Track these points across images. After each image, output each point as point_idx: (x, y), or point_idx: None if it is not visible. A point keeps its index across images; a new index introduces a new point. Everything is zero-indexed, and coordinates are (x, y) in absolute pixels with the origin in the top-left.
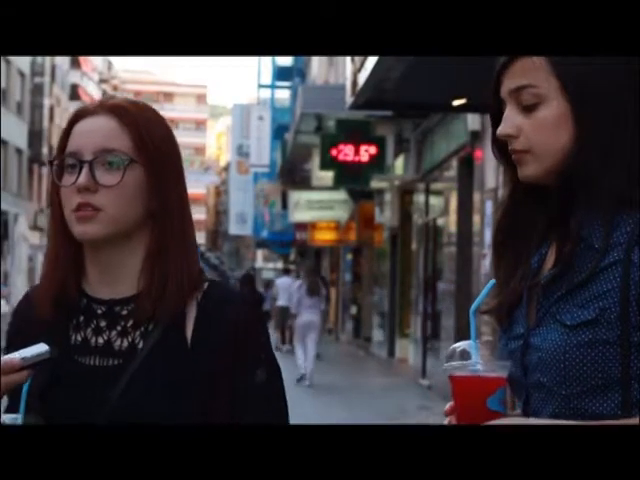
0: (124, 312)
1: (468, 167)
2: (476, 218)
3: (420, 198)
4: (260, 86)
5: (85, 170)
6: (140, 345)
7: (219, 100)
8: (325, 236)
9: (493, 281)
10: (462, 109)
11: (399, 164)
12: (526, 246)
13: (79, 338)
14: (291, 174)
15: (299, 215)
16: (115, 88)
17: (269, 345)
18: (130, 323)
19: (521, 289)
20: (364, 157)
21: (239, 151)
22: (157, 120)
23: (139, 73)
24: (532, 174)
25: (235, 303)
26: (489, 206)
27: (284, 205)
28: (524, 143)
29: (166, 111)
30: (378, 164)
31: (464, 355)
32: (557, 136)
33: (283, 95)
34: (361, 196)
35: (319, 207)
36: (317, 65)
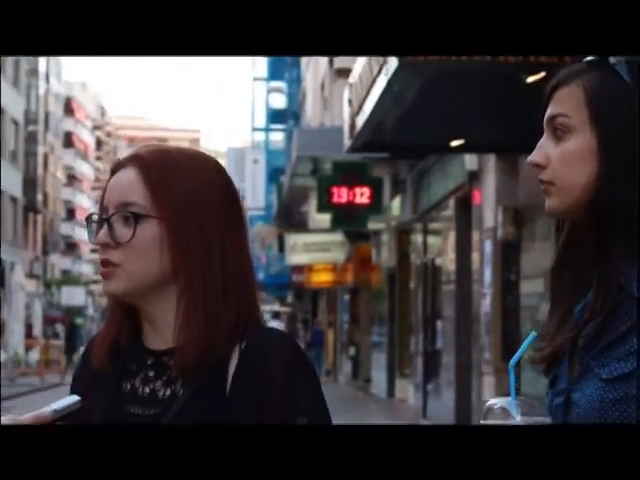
0: (170, 362)
1: (465, 207)
2: (475, 257)
3: (418, 238)
4: (254, 129)
5: (105, 226)
6: (181, 394)
7: (212, 144)
8: (322, 278)
9: (534, 333)
10: (460, 150)
11: (396, 205)
12: (575, 293)
13: (128, 387)
14: (287, 217)
15: (296, 257)
16: (109, 134)
17: (313, 391)
18: (174, 373)
19: (565, 341)
20: (361, 199)
21: None
22: (182, 169)
23: (133, 119)
24: (555, 208)
25: (277, 351)
26: (488, 245)
27: (281, 248)
28: (550, 174)
29: None
30: (375, 205)
31: (503, 413)
32: (581, 170)
33: (277, 138)
34: (358, 237)
35: (316, 249)
36: (311, 107)
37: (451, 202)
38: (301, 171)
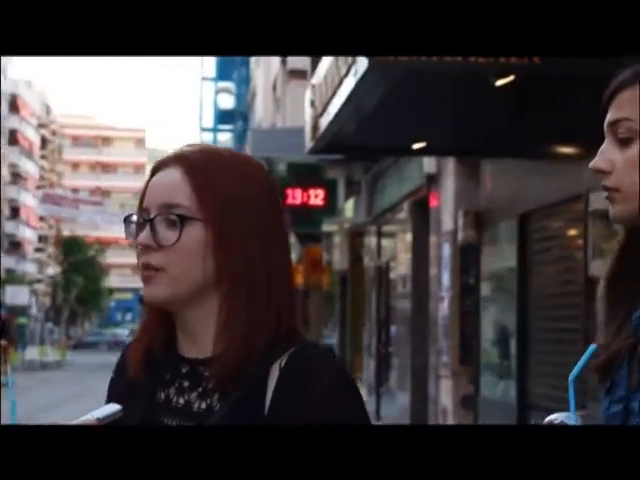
0: (206, 373)
1: (422, 210)
2: (432, 261)
3: (372, 241)
4: (202, 129)
5: (147, 228)
6: (217, 408)
7: (158, 144)
8: None
9: (593, 346)
10: (422, 152)
11: (349, 207)
12: (633, 299)
13: (163, 397)
14: None
15: None
16: (54, 133)
17: (358, 414)
18: (210, 385)
19: (623, 347)
20: (315, 200)
21: None
22: (227, 170)
23: (78, 118)
24: (619, 215)
25: (322, 370)
26: (446, 248)
27: None
28: (615, 181)
29: (104, 155)
30: (329, 207)
31: None
32: None
33: (223, 138)
34: (308, 239)
35: None
36: (262, 108)
37: (407, 205)
38: None
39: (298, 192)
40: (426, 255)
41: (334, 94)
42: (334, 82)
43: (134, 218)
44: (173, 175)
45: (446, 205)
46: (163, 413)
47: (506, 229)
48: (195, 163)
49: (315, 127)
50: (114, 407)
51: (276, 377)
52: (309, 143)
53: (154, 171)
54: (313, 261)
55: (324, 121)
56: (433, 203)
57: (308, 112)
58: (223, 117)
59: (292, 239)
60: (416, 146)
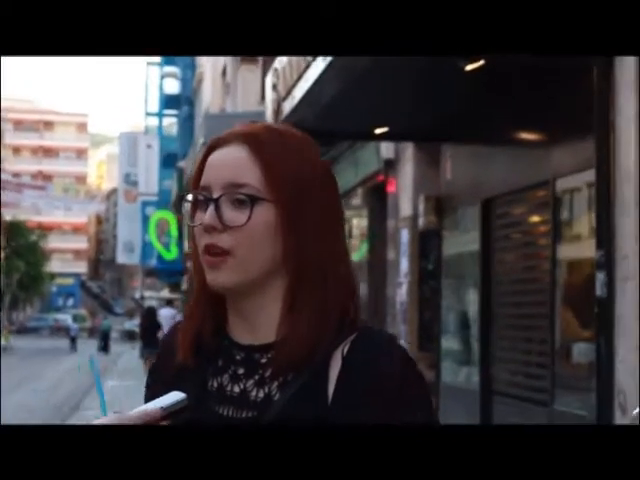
0: (263, 360)
1: (378, 195)
2: (390, 247)
3: None
4: (147, 114)
5: (211, 208)
6: (276, 397)
7: (100, 129)
8: None
9: None
10: (384, 137)
11: None
12: None
13: (215, 384)
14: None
15: None
16: None
17: (426, 404)
18: (268, 373)
19: None
20: None
21: (126, 180)
22: (292, 149)
23: (19, 102)
24: None
25: (387, 359)
26: (405, 234)
27: (180, 234)
28: None
29: (46, 140)
30: None
31: None
32: None
33: (167, 123)
34: None
35: None
36: (210, 93)
37: (363, 190)
38: None
39: None
40: (383, 241)
41: (300, 77)
42: (300, 66)
43: (189, 197)
44: (238, 153)
45: (404, 191)
46: (217, 401)
47: (468, 215)
48: (262, 141)
49: (277, 111)
50: (178, 395)
51: (339, 365)
52: None
53: (212, 148)
54: None
55: (287, 105)
56: (391, 189)
57: (269, 96)
58: (168, 102)
59: None
60: (378, 131)
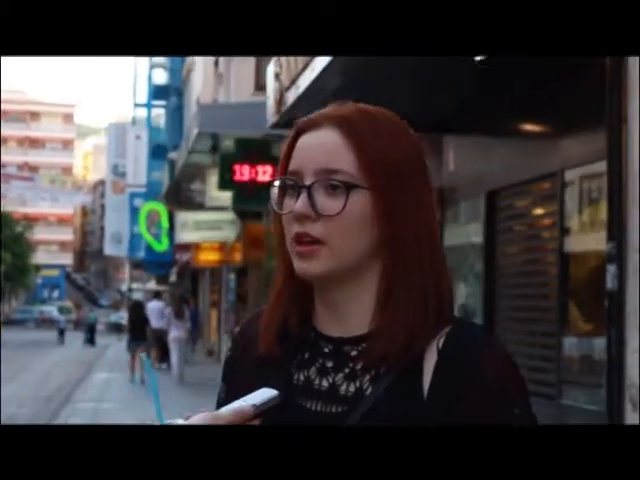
0: (353, 353)
1: None
2: None
3: None
4: (136, 105)
5: (303, 195)
6: (369, 391)
7: (86, 119)
8: (209, 257)
9: None
10: None
11: None
12: None
13: (302, 378)
14: (177, 195)
15: (186, 235)
16: None
17: (525, 400)
18: (359, 365)
19: None
20: (263, 177)
21: (114, 171)
22: (394, 133)
23: (6, 92)
24: None
25: (486, 352)
26: None
27: (171, 226)
28: None
29: (32, 130)
30: None
31: None
32: None
33: (154, 113)
34: (249, 216)
35: (207, 228)
36: (201, 84)
37: None
38: (200, 148)
39: (246, 168)
40: None
41: (306, 67)
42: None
43: (277, 182)
44: (330, 137)
45: None
46: (304, 396)
47: (470, 206)
48: (355, 124)
49: (280, 101)
50: (270, 392)
51: (434, 359)
52: (272, 117)
53: (301, 131)
54: (253, 239)
55: (291, 95)
56: None
57: (271, 85)
58: (157, 92)
59: (232, 216)
60: None
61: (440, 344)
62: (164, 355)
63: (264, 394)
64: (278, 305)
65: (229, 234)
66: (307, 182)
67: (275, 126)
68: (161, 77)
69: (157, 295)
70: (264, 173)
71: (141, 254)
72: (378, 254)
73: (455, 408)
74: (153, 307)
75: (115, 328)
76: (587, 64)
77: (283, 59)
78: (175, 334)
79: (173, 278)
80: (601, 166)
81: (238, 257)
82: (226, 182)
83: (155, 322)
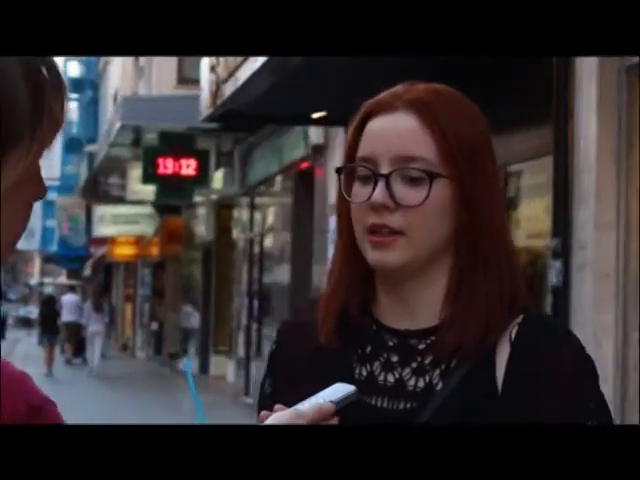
0: (421, 346)
1: (304, 181)
2: (316, 233)
3: (243, 213)
4: None
5: (381, 184)
6: (439, 386)
7: None
8: (125, 251)
9: None
10: (320, 122)
11: (218, 178)
12: None
13: (364, 372)
14: (95, 188)
15: (104, 229)
16: None
17: (600, 395)
18: (428, 359)
19: None
20: (187, 170)
21: None
22: (468, 115)
23: None
24: None
25: (561, 344)
26: (333, 221)
27: (88, 219)
28: None
29: None
30: (201, 178)
31: None
32: None
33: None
34: (167, 210)
35: (124, 222)
36: (119, 76)
37: (287, 176)
38: (121, 141)
39: (170, 162)
40: (309, 227)
41: (246, 59)
42: None
43: (358, 170)
44: (406, 121)
45: (332, 177)
46: (368, 392)
47: None
48: (432, 107)
49: (216, 93)
50: (348, 388)
51: (507, 351)
52: (206, 109)
53: (371, 114)
54: (171, 233)
55: (229, 87)
56: (319, 175)
57: (206, 77)
58: (71, 85)
59: (150, 210)
60: (316, 115)
61: (512, 335)
62: (79, 349)
63: (342, 390)
64: (337, 292)
65: (147, 228)
66: (383, 170)
67: (210, 119)
68: (75, 70)
69: (72, 289)
70: (188, 166)
71: (54, 248)
72: (453, 243)
73: (530, 403)
74: (68, 300)
75: (24, 322)
76: (534, 60)
77: None
78: (93, 328)
79: (87, 272)
80: (548, 162)
81: (155, 251)
82: (149, 175)
83: (69, 315)
